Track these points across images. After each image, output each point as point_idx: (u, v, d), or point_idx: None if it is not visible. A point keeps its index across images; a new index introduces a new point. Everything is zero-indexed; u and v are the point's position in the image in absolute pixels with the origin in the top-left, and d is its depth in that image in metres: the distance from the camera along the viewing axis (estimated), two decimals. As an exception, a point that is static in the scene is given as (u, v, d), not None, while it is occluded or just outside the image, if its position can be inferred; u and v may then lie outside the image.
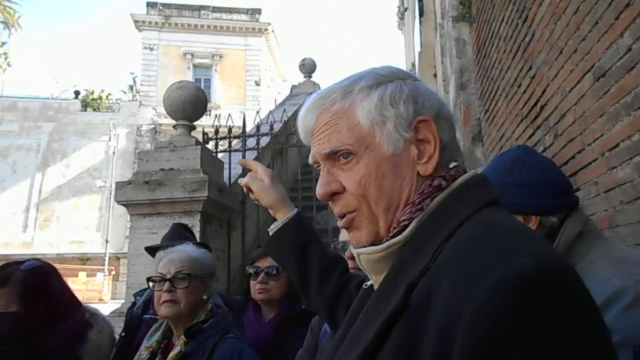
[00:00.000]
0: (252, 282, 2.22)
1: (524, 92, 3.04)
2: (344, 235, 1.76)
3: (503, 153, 1.40)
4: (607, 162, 1.91)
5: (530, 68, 2.90)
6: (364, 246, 0.73)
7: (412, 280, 0.61)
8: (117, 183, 4.31)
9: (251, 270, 2.23)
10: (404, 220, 0.69)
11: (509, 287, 0.49)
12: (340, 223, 0.76)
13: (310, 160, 0.79)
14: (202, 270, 1.84)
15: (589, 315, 0.51)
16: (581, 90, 2.12)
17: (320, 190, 0.75)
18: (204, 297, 1.81)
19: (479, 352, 0.49)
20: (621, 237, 1.81)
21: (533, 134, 2.90)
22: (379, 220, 0.72)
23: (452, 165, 0.75)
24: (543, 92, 2.67)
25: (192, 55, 27.33)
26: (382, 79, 0.74)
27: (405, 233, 0.68)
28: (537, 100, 2.78)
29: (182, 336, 1.72)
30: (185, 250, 1.90)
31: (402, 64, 16.20)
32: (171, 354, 1.70)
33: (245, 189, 1.28)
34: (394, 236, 0.70)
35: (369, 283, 0.82)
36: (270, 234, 1.22)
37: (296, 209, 1.24)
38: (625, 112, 1.71)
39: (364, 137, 0.71)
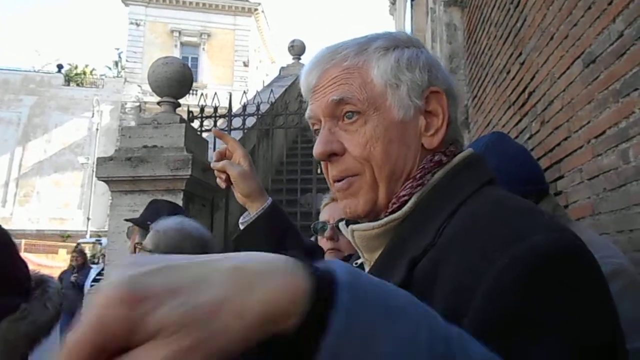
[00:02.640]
0: None
1: (513, 78, 3.03)
2: (323, 216, 1.73)
3: (479, 138, 1.42)
4: (592, 149, 1.91)
5: (520, 54, 2.88)
6: (360, 215, 0.70)
7: (415, 256, 0.59)
8: (98, 159, 4.23)
9: None
10: (404, 196, 0.67)
11: (525, 262, 0.48)
12: (336, 186, 0.71)
13: (308, 115, 0.73)
14: (164, 247, 1.73)
15: (603, 294, 0.50)
16: (570, 77, 2.11)
17: (319, 148, 0.69)
18: None
19: (493, 325, 0.47)
20: (603, 225, 1.82)
21: (520, 120, 2.90)
22: (379, 187, 0.68)
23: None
24: (532, 79, 2.66)
25: (179, 32, 26.80)
26: (399, 43, 0.71)
27: (405, 209, 0.66)
28: (526, 87, 2.77)
29: None
30: (165, 224, 1.85)
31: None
32: None
33: (217, 175, 1.12)
34: (393, 212, 0.67)
35: (359, 261, 0.78)
36: (243, 226, 1.13)
37: (270, 198, 1.16)
38: (614, 99, 1.71)
39: (375, 98, 0.67)
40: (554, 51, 2.31)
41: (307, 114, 0.74)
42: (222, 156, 1.13)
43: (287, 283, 0.32)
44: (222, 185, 1.13)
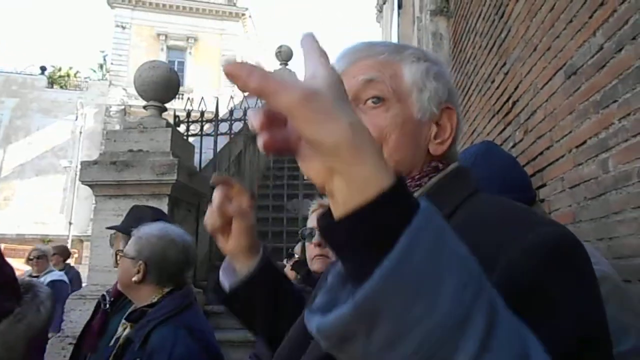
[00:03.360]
0: None
1: (497, 88, 3.08)
2: (311, 222, 1.75)
3: (468, 148, 1.47)
4: (573, 158, 1.95)
5: (505, 64, 2.93)
6: None
7: None
8: (82, 162, 4.18)
9: None
10: None
11: (539, 251, 0.55)
12: None
13: None
14: (148, 253, 1.73)
15: (594, 278, 0.58)
16: (552, 88, 2.16)
17: None
18: (133, 279, 1.70)
19: (510, 302, 0.52)
20: (583, 232, 1.86)
21: (504, 129, 2.95)
22: None
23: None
24: (515, 89, 2.71)
25: (165, 36, 26.63)
26: (429, 58, 0.77)
27: None
28: (510, 97, 2.82)
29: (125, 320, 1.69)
30: (147, 230, 1.83)
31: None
32: (121, 337, 1.67)
33: (212, 217, 0.91)
34: None
35: None
36: (233, 284, 0.94)
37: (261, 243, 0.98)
38: (594, 110, 1.75)
39: (401, 91, 0.72)
40: (537, 62, 2.37)
41: None
42: (225, 185, 0.93)
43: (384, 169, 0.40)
44: (211, 229, 0.92)
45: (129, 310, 1.75)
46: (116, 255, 1.81)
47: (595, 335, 0.53)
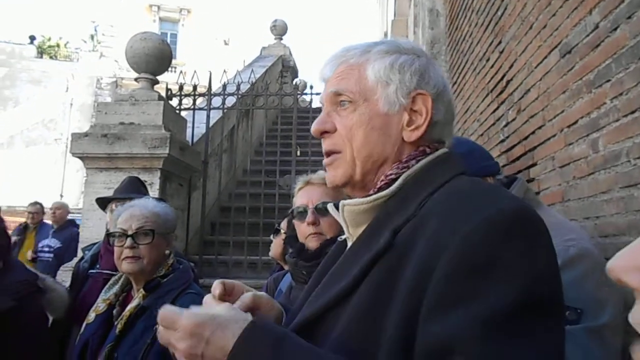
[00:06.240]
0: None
1: (492, 66, 3.07)
2: (301, 200, 1.75)
3: None
4: (564, 138, 1.96)
5: (500, 42, 2.91)
6: (337, 185, 0.83)
7: (397, 225, 0.71)
8: (73, 134, 4.14)
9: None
10: (391, 175, 0.79)
11: (495, 220, 0.62)
12: (324, 161, 0.85)
13: (320, 101, 0.88)
14: (164, 226, 1.83)
15: (550, 249, 0.64)
16: (547, 67, 2.15)
17: (315, 126, 0.84)
18: (166, 252, 1.82)
19: (465, 271, 0.60)
20: (571, 211, 1.88)
21: (497, 108, 2.95)
22: (356, 165, 0.80)
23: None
24: (510, 67, 2.70)
25: (158, 7, 26.07)
26: (399, 49, 0.83)
27: (392, 187, 0.77)
28: (504, 75, 2.81)
29: (142, 289, 1.71)
30: (147, 205, 1.86)
31: (375, 32, 16.05)
32: (129, 307, 1.70)
33: None
34: (381, 189, 0.78)
35: (343, 237, 0.88)
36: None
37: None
38: (587, 89, 1.75)
39: (366, 91, 0.80)
40: (532, 40, 2.35)
41: (320, 99, 0.89)
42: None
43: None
44: None
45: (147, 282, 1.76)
46: (152, 233, 1.78)
47: (539, 301, 0.58)
